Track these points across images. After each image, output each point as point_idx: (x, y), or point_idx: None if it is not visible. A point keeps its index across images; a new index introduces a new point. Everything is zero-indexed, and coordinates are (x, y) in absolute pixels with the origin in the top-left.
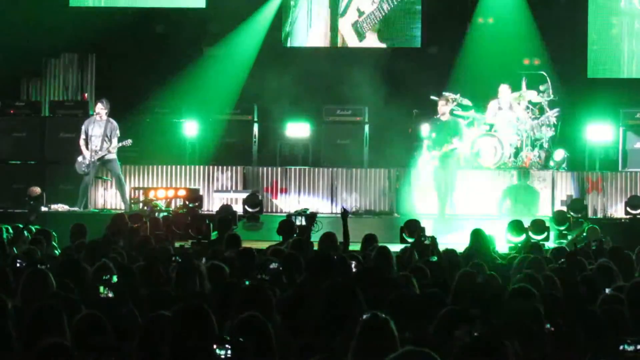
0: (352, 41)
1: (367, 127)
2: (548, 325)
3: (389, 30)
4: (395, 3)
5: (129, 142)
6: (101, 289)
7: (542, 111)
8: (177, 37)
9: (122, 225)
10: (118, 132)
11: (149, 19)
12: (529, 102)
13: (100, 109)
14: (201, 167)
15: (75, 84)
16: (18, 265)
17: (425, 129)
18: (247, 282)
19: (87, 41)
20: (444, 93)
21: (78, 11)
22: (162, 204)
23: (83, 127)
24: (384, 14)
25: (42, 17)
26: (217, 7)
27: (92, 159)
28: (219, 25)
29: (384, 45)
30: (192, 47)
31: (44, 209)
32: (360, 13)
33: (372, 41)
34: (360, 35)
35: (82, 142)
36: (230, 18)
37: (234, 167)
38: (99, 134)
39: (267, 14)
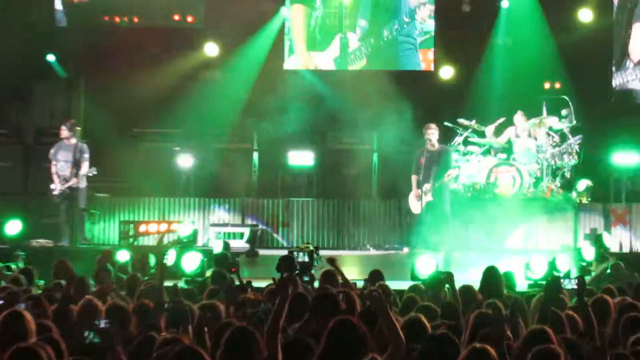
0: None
1: (375, 156)
2: None
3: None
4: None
5: (93, 170)
6: (86, 333)
7: (563, 138)
8: (172, 60)
9: (110, 262)
10: (87, 155)
11: (143, 40)
12: (550, 128)
13: (64, 130)
14: (196, 199)
15: (63, 109)
16: None
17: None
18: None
19: (76, 63)
20: (458, 119)
21: (66, 31)
22: None
23: (52, 151)
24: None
25: (29, 38)
26: (215, 29)
27: (62, 188)
28: (216, 48)
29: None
30: (188, 71)
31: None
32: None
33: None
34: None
35: (52, 169)
36: (229, 40)
37: (231, 199)
38: (66, 159)
39: (266, 35)
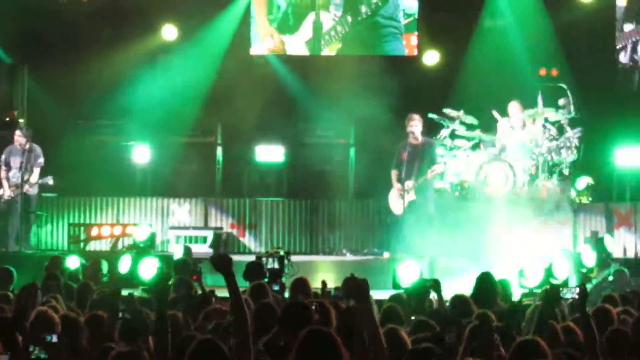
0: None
1: (352, 150)
2: None
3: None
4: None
5: (49, 180)
6: (31, 347)
7: (561, 131)
8: (125, 44)
9: (59, 269)
10: (41, 160)
11: (93, 21)
12: (546, 120)
13: (19, 136)
14: (154, 199)
15: (3, 98)
16: None
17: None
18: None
19: (19, 47)
20: (444, 110)
21: (7, 11)
22: None
23: (3, 157)
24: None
25: None
26: (174, 9)
27: (12, 194)
28: (175, 30)
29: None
30: (143, 56)
31: None
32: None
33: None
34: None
35: (2, 174)
36: (189, 22)
37: (193, 199)
38: (19, 164)
39: (231, 17)
